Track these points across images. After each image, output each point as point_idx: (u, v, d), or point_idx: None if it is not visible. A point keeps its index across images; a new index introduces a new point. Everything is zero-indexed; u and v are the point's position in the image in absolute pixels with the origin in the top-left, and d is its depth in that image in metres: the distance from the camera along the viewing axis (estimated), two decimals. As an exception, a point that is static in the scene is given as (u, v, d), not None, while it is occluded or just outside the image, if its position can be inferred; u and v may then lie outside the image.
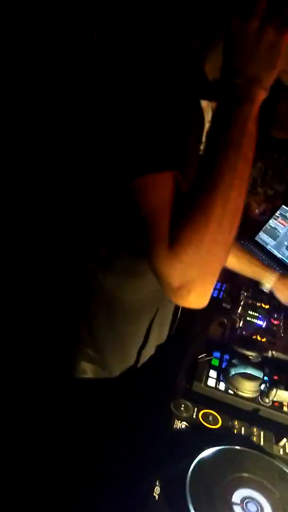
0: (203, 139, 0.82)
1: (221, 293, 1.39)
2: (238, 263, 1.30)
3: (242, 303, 1.29)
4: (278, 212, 2.10)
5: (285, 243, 1.98)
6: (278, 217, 2.10)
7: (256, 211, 2.16)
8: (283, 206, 2.09)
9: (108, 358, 1.01)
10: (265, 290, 1.31)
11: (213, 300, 1.36)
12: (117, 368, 1.03)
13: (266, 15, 0.66)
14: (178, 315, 1.14)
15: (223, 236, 0.66)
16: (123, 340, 1.01)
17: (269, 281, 1.29)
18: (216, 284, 1.44)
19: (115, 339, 1.00)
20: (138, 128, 0.69)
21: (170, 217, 0.67)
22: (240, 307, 1.27)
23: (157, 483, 0.70)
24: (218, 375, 0.98)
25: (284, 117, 2.22)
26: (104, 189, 0.84)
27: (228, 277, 1.48)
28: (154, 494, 0.69)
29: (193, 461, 0.72)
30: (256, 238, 2.16)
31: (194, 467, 0.71)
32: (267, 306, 1.33)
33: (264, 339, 1.15)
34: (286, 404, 0.93)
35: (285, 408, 0.92)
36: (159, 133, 0.69)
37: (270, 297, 1.41)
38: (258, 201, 2.16)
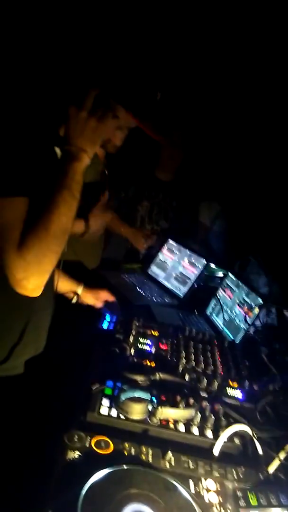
0: None
1: (112, 324, 1.46)
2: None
3: (133, 332, 1.38)
4: (165, 246, 2.30)
5: (173, 274, 2.16)
6: (166, 251, 2.29)
7: (144, 245, 2.34)
8: (169, 240, 2.29)
9: None
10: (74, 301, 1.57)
11: (107, 332, 1.44)
12: None
13: (91, 109, 1.04)
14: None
15: (55, 245, 0.97)
16: None
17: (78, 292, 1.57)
18: (111, 318, 1.52)
19: None
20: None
21: (19, 230, 0.94)
22: (132, 336, 1.36)
23: (49, 515, 0.72)
24: (110, 403, 1.03)
25: (165, 161, 2.49)
26: None
27: (121, 310, 1.58)
28: (47, 526, 0.70)
29: (84, 487, 0.76)
30: (148, 271, 2.32)
31: (85, 492, 0.75)
32: (156, 333, 1.44)
33: (153, 363, 1.24)
34: (172, 420, 1.01)
35: (171, 425, 1.00)
36: (16, 168, 0.97)
37: (159, 325, 1.53)
38: (145, 237, 2.34)
